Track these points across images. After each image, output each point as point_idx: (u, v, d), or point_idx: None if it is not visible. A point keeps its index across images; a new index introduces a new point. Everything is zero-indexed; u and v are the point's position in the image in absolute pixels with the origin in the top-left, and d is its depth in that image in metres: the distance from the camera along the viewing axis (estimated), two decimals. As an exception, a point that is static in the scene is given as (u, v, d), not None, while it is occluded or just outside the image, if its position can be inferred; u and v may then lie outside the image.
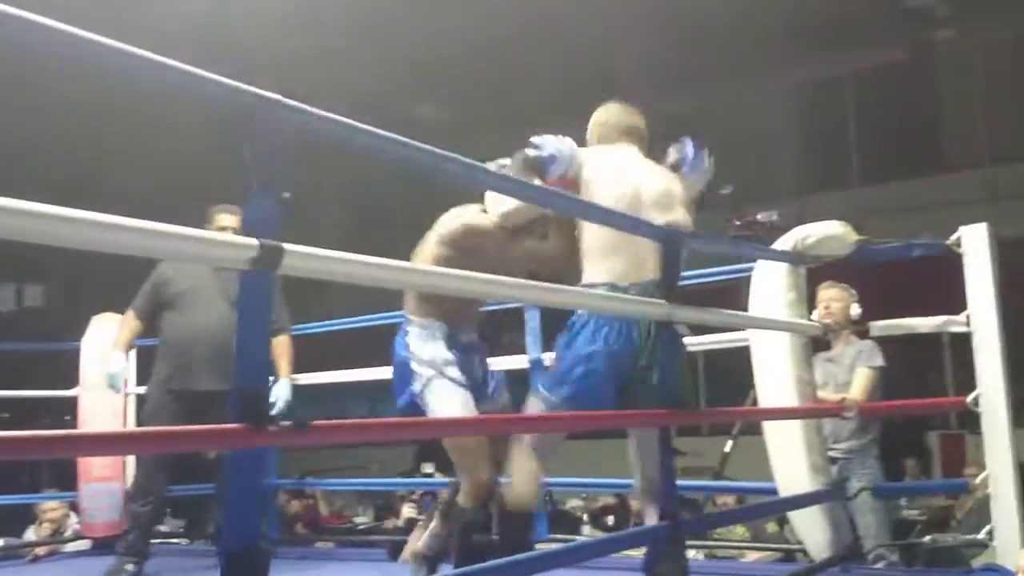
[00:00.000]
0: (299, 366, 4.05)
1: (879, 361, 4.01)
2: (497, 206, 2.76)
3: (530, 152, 2.63)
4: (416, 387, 2.73)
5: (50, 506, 5.75)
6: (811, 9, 9.15)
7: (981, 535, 3.10)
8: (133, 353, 4.45)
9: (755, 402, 3.61)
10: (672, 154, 2.86)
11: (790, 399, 3.24)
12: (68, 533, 5.49)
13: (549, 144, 2.64)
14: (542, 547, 3.53)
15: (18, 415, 8.70)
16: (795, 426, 3.27)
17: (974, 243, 3.19)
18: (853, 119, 11.12)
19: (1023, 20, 9.78)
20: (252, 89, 1.39)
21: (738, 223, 4.42)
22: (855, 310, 4.02)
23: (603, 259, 2.63)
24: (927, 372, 10.24)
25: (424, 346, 2.76)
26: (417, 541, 3.05)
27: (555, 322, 2.92)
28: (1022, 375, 3.47)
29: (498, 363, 3.46)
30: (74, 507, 5.33)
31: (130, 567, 3.81)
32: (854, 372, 4.01)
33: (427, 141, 1.74)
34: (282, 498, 7.38)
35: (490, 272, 2.15)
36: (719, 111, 11.47)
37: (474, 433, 2.72)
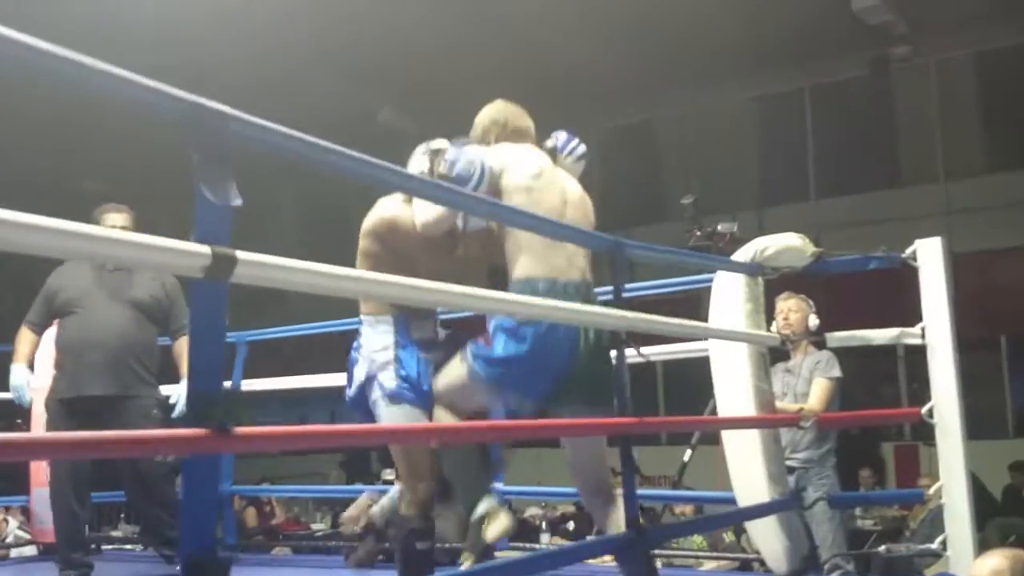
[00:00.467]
0: (258, 372, 4.00)
1: (837, 372, 4.04)
2: (423, 215, 2.71)
3: (442, 169, 2.65)
4: (362, 379, 2.73)
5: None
6: (771, 23, 9.26)
7: (935, 545, 3.13)
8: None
9: (714, 411, 3.62)
10: (548, 144, 2.86)
11: (748, 409, 3.25)
12: (9, 539, 5.36)
13: (460, 162, 2.61)
14: (503, 556, 3.52)
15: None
16: (753, 436, 3.28)
17: (929, 256, 3.22)
18: (811, 133, 11.25)
19: (979, 38, 9.99)
20: (194, 98, 1.35)
21: (699, 233, 4.47)
22: (813, 321, 4.05)
23: (543, 250, 2.58)
24: (881, 383, 10.38)
25: (370, 341, 2.75)
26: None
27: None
28: (975, 387, 3.52)
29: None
30: (25, 512, 5.21)
31: None
32: (812, 383, 4.04)
33: (388, 145, 1.72)
34: (238, 504, 7.29)
35: (424, 268, 2.14)
36: (679, 122, 11.56)
37: (407, 442, 2.70)
